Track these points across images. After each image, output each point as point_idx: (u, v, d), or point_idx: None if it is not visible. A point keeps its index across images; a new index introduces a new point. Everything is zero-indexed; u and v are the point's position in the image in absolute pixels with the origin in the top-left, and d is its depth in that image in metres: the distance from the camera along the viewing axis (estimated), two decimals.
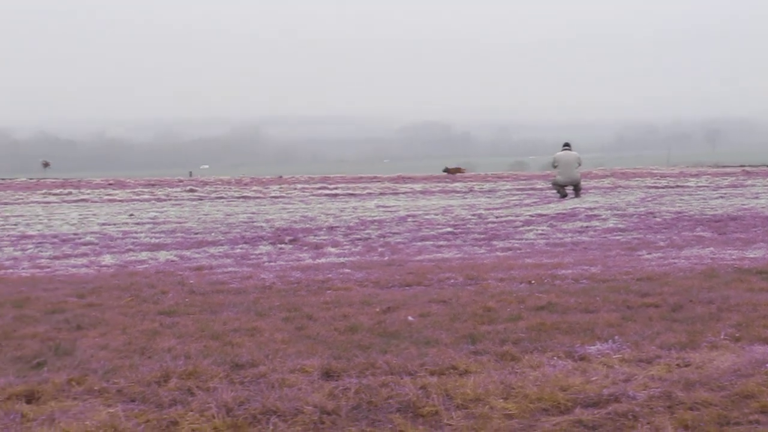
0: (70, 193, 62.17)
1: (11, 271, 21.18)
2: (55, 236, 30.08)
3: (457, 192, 58.22)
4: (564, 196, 47.85)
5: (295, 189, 65.18)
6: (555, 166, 49.03)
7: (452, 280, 17.51)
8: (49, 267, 21.85)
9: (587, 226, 30.29)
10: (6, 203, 53.68)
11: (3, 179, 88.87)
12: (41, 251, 25.56)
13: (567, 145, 48.80)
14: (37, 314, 14.57)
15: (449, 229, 30.15)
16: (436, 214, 37.58)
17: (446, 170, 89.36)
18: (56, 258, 23.87)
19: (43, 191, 64.91)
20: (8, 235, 30.77)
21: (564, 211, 37.26)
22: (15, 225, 35.55)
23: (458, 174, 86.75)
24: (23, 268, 21.63)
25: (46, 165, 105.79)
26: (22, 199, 57.87)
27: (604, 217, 34.17)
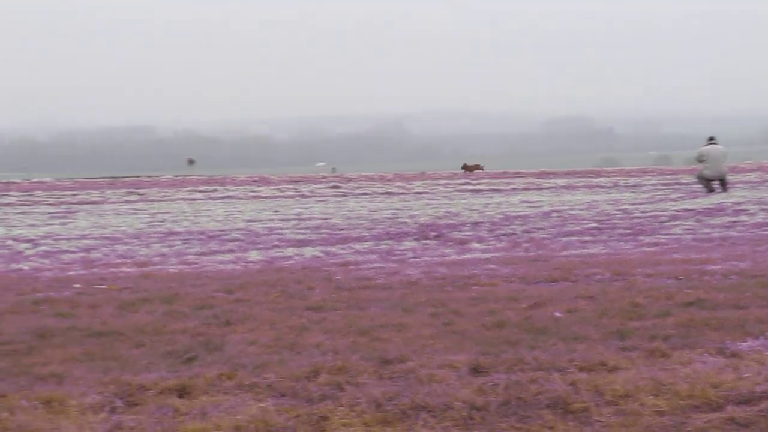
0: (215, 190, 63.07)
1: (160, 267, 21.55)
2: (201, 233, 30.54)
3: (602, 187, 57.58)
4: (711, 190, 46.96)
5: (439, 184, 65.15)
6: (700, 161, 48.11)
7: (599, 276, 17.33)
8: (196, 263, 22.18)
9: (735, 221, 29.75)
10: (153, 200, 54.64)
11: (149, 176, 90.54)
12: (188, 247, 25.96)
13: (712, 139, 47.91)
14: (187, 310, 14.80)
15: (594, 225, 29.86)
16: (581, 210, 37.23)
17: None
18: (203, 254, 24.23)
19: (189, 188, 65.93)
20: (156, 232, 31.33)
21: (711, 206, 36.62)
22: (162, 222, 36.15)
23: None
24: (171, 264, 21.99)
25: (191, 162, 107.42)
26: (169, 196, 58.82)
27: (752, 211, 33.48)
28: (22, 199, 59.43)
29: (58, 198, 59.33)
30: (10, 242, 28.38)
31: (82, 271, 20.82)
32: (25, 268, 21.84)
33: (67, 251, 25.45)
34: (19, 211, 46.95)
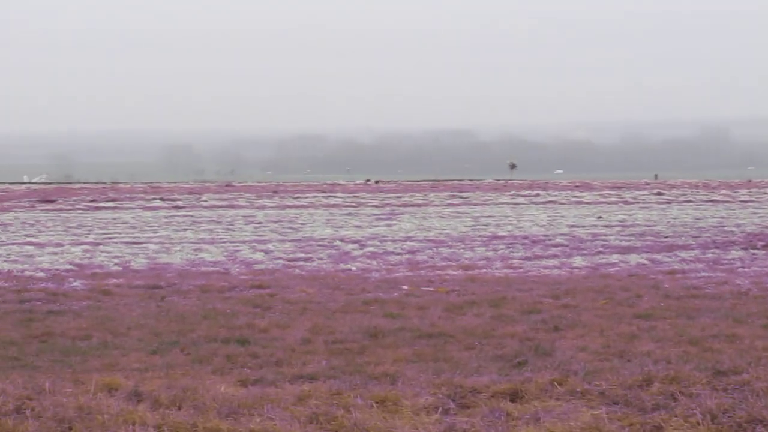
0: (537, 195, 63.12)
1: (484, 270, 21.72)
2: (525, 237, 30.59)
3: None
4: None
5: (766, 193, 63.16)
6: None
7: None
8: (521, 267, 22.24)
9: None
10: (475, 204, 55.15)
11: (471, 180, 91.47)
12: (512, 252, 26.05)
13: None
14: (514, 314, 14.86)
15: None
16: None
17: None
18: (527, 259, 24.26)
19: (511, 192, 66.21)
20: (480, 236, 31.59)
21: None
22: (485, 225, 36.41)
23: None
24: (496, 268, 22.13)
25: (513, 167, 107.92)
26: (491, 200, 59.22)
27: None
28: (347, 200, 61.12)
29: (382, 200, 60.70)
30: (337, 243, 29.18)
31: (409, 273, 21.21)
32: (353, 268, 22.42)
33: (392, 253, 25.97)
34: (345, 212, 48.27)
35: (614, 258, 24.02)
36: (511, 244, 28.41)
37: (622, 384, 9.99)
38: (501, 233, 32.52)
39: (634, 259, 23.74)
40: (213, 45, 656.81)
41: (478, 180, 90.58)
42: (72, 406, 9.57)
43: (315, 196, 65.80)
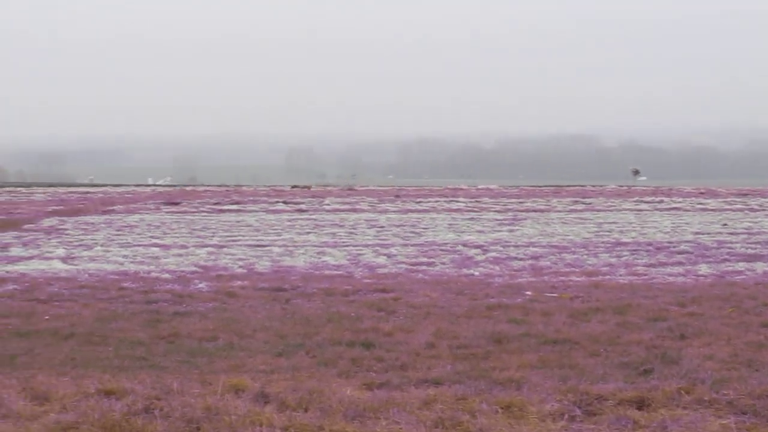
0: (661, 201, 62.34)
1: (608, 277, 21.54)
2: (649, 244, 30.26)
3: None
4: None
5: None
6: None
7: None
8: (645, 274, 22.02)
9: None
10: (598, 210, 54.65)
11: (594, 186, 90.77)
12: (636, 258, 25.79)
13: None
14: (639, 321, 14.75)
15: None
16: None
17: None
18: (652, 266, 24.00)
19: (635, 198, 65.46)
20: (603, 242, 31.34)
21: None
22: (609, 232, 36.08)
23: None
24: (620, 275, 21.94)
25: (636, 173, 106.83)
26: (615, 206, 58.65)
27: None
28: (469, 205, 61.06)
29: (504, 205, 60.53)
30: (460, 247, 29.18)
31: (532, 279, 21.15)
32: (476, 273, 22.41)
33: (515, 258, 25.89)
34: (467, 217, 48.20)
35: (740, 266, 23.66)
36: (635, 250, 28.12)
37: (750, 394, 9.87)
38: (625, 239, 32.18)
39: (760, 267, 23.35)
40: (338, 51, 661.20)
41: (600, 186, 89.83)
42: (200, 407, 9.73)
43: (437, 201, 65.84)
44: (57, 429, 9.32)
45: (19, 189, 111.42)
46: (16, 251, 28.50)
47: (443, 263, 24.58)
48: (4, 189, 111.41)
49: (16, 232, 36.90)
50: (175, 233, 36.57)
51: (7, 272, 22.54)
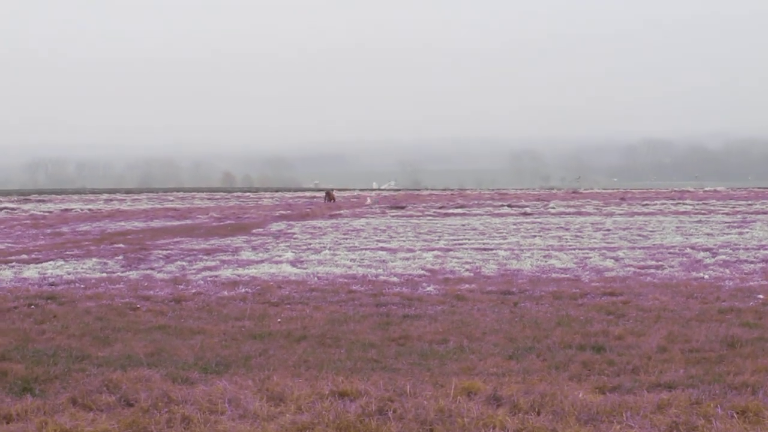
0: None
1: None
2: None
3: None
4: None
5: None
6: None
7: None
8: None
9: None
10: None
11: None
12: None
13: None
14: None
15: None
16: None
17: None
18: None
19: None
20: None
21: None
22: None
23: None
24: None
25: None
26: None
27: None
28: (697, 207, 60.03)
29: (733, 207, 59.28)
30: (688, 250, 28.72)
31: (764, 282, 20.66)
32: (706, 276, 22.02)
33: (746, 261, 25.35)
34: (695, 219, 47.44)
35: None
36: None
37: None
38: None
39: None
40: (546, 54, 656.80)
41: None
42: (432, 409, 9.86)
43: (663, 203, 64.95)
44: (293, 429, 9.56)
45: (247, 194, 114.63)
46: (246, 255, 29.31)
47: (672, 266, 24.24)
48: (233, 194, 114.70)
49: (246, 236, 37.98)
50: (401, 237, 37.01)
51: (239, 276, 23.19)
